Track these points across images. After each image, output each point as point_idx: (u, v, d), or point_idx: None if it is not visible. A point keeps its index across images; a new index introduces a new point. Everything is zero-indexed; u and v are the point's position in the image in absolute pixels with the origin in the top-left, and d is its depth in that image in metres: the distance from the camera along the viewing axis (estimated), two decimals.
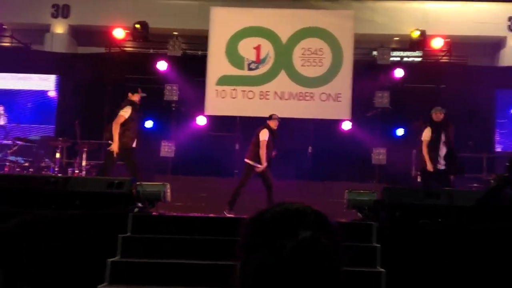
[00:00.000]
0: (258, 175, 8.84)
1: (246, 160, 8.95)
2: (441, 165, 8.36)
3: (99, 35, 14.19)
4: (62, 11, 15.46)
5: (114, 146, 8.02)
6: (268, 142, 8.84)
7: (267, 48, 12.00)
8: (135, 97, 8.46)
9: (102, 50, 14.02)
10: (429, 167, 8.30)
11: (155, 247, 5.82)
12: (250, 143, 9.08)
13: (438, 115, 8.60)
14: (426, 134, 8.54)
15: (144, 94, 8.59)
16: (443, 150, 8.41)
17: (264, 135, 8.86)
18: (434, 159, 8.33)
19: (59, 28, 15.51)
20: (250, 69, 12.01)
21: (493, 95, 12.48)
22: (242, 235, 1.10)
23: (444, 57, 12.83)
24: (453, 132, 8.79)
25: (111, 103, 12.56)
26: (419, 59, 13.68)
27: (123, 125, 8.14)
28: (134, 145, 8.30)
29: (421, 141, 8.56)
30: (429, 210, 6.29)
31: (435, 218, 6.25)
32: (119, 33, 12.66)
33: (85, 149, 10.09)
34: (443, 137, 8.46)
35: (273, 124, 9.06)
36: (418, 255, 5.80)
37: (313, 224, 1.06)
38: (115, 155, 8.06)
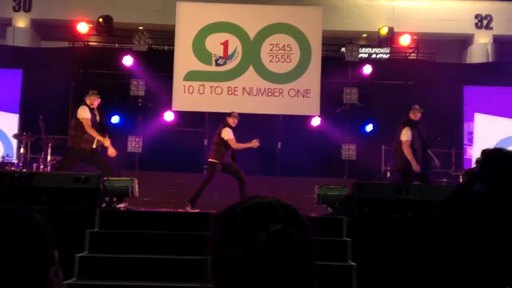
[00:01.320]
0: (226, 171, 8.83)
1: (209, 159, 8.91)
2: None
3: (63, 29, 13.91)
4: (23, 5, 15.06)
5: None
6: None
7: (234, 43, 11.93)
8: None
9: (65, 44, 13.73)
10: (415, 167, 8.25)
11: (123, 242, 5.76)
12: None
13: (416, 114, 8.63)
14: (407, 134, 8.44)
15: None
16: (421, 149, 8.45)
17: (228, 134, 8.86)
18: (418, 159, 8.31)
19: (21, 22, 15.10)
20: (217, 64, 11.93)
21: (460, 91, 12.68)
22: (213, 230, 1.08)
23: (412, 54, 12.99)
24: (426, 129, 8.86)
25: (76, 98, 12.34)
26: (387, 56, 13.80)
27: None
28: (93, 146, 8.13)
29: (401, 142, 8.45)
30: (399, 205, 6.34)
31: (405, 213, 6.30)
32: (82, 28, 12.43)
33: (49, 144, 9.91)
34: (419, 136, 8.50)
35: (232, 121, 9.11)
36: (388, 249, 5.85)
37: (284, 217, 1.05)
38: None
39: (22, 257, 1.06)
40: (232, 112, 9.28)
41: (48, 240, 1.14)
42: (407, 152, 8.34)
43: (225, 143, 8.90)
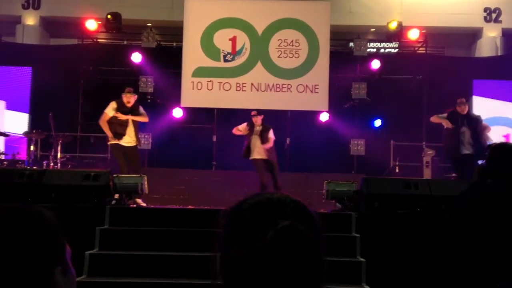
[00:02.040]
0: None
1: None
2: None
3: (72, 26, 13.94)
4: (33, 2, 15.12)
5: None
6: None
7: (243, 39, 11.93)
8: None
9: (74, 41, 13.78)
10: None
11: (133, 240, 5.78)
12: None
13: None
14: None
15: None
16: None
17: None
18: None
19: (30, 19, 15.16)
20: (226, 60, 11.93)
21: (470, 85, 12.60)
22: (221, 226, 1.08)
23: (420, 48, 12.92)
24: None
25: (85, 95, 12.41)
26: (396, 50, 13.74)
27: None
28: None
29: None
30: (408, 200, 6.32)
31: (414, 208, 6.28)
32: (91, 25, 12.48)
33: (59, 141, 9.95)
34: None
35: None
36: (397, 244, 5.83)
37: (292, 213, 1.05)
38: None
39: (26, 255, 1.06)
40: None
41: (55, 238, 1.14)
42: None
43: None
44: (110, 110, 8.29)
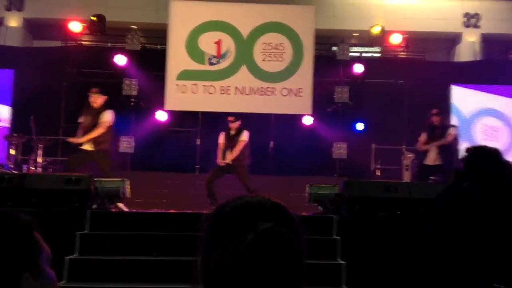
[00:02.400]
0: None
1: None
2: None
3: (55, 28, 13.84)
4: (16, 4, 15.00)
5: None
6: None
7: (228, 42, 11.95)
8: None
9: (58, 43, 13.69)
10: None
11: (114, 244, 5.74)
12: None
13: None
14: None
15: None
16: None
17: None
18: None
19: (13, 21, 15.04)
20: (211, 64, 11.94)
21: (449, 89, 12.75)
22: (203, 230, 1.09)
23: (402, 53, 13.04)
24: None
25: (68, 98, 12.33)
26: (378, 54, 13.86)
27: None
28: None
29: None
30: (388, 203, 6.38)
31: (394, 211, 6.35)
32: (75, 27, 12.41)
33: (41, 145, 9.84)
34: None
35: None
36: (377, 247, 5.88)
37: (273, 216, 1.06)
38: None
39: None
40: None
41: (28, 243, 1.14)
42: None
43: None
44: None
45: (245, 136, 9.02)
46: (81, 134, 8.19)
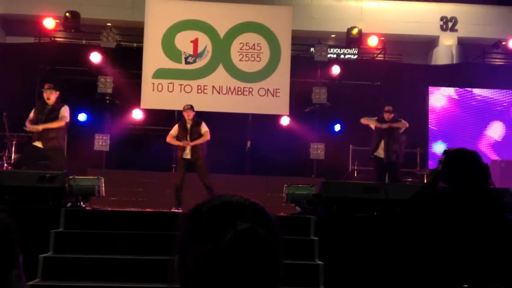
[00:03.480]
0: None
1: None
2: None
3: (29, 24, 13.66)
4: None
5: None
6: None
7: (204, 42, 11.89)
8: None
9: (31, 40, 13.47)
10: None
11: (89, 243, 5.66)
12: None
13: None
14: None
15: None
16: None
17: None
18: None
19: None
20: (187, 62, 11.87)
21: (426, 92, 12.90)
22: (180, 229, 1.08)
23: (379, 55, 13.16)
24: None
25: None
26: (355, 56, 13.96)
27: None
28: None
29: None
30: (366, 203, 6.40)
31: (371, 212, 6.37)
32: (49, 23, 12.23)
33: (14, 142, 9.68)
34: None
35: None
36: (355, 247, 5.89)
37: (251, 216, 1.05)
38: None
39: None
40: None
41: (12, 241, 1.12)
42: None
43: None
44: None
45: (206, 126, 8.60)
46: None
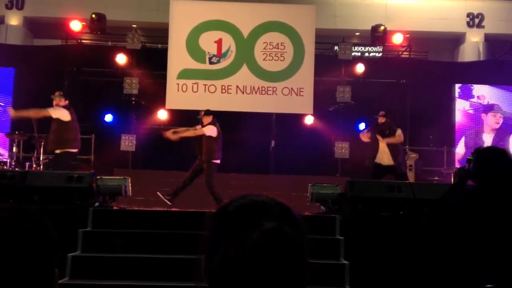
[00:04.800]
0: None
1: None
2: None
3: (56, 27, 13.84)
4: (16, 2, 15.00)
5: None
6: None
7: (228, 42, 11.93)
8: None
9: (58, 42, 13.68)
10: None
11: (116, 242, 5.74)
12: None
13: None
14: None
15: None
16: None
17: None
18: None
19: (14, 20, 15.03)
20: (211, 63, 11.91)
21: (452, 89, 12.74)
22: (207, 228, 1.08)
23: (404, 53, 13.02)
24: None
25: (69, 96, 12.28)
26: (380, 54, 13.85)
27: None
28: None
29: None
30: (391, 203, 6.36)
31: (397, 211, 6.32)
32: (75, 26, 12.39)
33: (42, 142, 9.83)
34: None
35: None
36: (380, 247, 5.86)
37: (277, 215, 1.06)
38: None
39: (34, 255, 1.08)
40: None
41: (55, 240, 1.16)
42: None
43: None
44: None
45: (210, 128, 8.69)
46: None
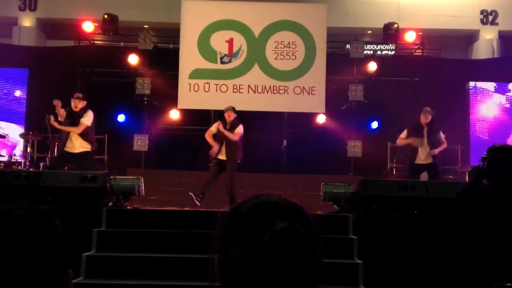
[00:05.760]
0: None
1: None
2: None
3: (68, 28, 13.93)
4: (29, 4, 15.12)
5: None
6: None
7: (239, 41, 11.93)
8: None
9: (71, 43, 13.77)
10: None
11: (130, 241, 5.77)
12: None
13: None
14: None
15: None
16: None
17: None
18: None
19: (27, 21, 15.16)
20: (223, 62, 11.93)
21: (466, 87, 12.64)
22: (219, 228, 1.09)
23: (417, 50, 12.94)
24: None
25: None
26: (392, 52, 13.78)
27: None
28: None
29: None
30: (405, 202, 6.33)
31: (411, 210, 6.29)
32: (88, 26, 12.48)
33: (56, 143, 9.90)
34: None
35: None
36: (394, 246, 5.83)
37: (290, 215, 1.06)
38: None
39: (42, 255, 1.08)
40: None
41: (64, 240, 1.16)
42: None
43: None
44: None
45: (241, 129, 8.72)
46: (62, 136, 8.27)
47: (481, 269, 3.26)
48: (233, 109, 8.89)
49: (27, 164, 9.93)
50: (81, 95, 8.47)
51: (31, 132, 10.42)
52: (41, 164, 9.98)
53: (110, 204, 6.32)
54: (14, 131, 12.29)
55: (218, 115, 11.98)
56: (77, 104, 8.27)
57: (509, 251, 3.16)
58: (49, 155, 9.94)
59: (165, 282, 5.36)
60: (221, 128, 8.63)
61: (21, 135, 10.89)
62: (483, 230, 3.26)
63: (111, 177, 6.61)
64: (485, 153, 3.51)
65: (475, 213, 3.35)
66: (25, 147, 10.28)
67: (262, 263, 1.00)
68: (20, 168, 9.68)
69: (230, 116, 8.81)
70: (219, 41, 11.90)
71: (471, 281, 3.35)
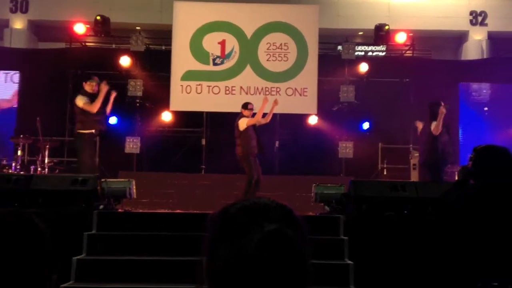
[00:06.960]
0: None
1: (238, 154, 8.73)
2: None
3: (60, 30, 13.89)
4: (20, 6, 15.07)
5: None
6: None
7: (232, 43, 11.94)
8: (87, 87, 8.31)
9: (63, 45, 13.73)
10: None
11: (121, 244, 5.75)
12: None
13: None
14: None
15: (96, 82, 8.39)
16: None
17: (243, 122, 8.73)
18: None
19: (18, 23, 15.10)
20: (215, 64, 11.93)
21: (456, 88, 12.71)
22: (208, 230, 1.10)
23: (407, 52, 13.00)
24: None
25: (73, 99, 12.33)
26: (383, 53, 13.84)
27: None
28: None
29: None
30: (395, 202, 6.36)
31: (401, 210, 6.32)
32: (79, 28, 12.45)
33: (47, 146, 9.87)
34: None
35: (247, 114, 8.88)
36: (384, 246, 5.85)
37: (278, 217, 1.07)
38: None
39: (24, 258, 1.09)
40: (248, 104, 8.95)
41: (49, 244, 1.16)
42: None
43: (242, 133, 8.71)
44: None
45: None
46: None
47: (467, 268, 3.29)
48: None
49: (18, 167, 9.87)
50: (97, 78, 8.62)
51: (21, 135, 10.34)
52: (32, 167, 9.93)
53: (101, 207, 6.30)
54: None
55: (211, 117, 12.02)
56: (94, 88, 8.46)
57: (493, 250, 3.19)
58: (39, 158, 9.89)
59: (157, 285, 5.35)
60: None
61: (12, 138, 10.83)
62: (467, 230, 3.29)
63: (102, 179, 6.59)
64: (472, 153, 3.55)
65: (459, 213, 3.38)
66: (16, 150, 10.21)
67: (251, 265, 1.01)
68: (10, 171, 9.63)
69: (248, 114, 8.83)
70: (211, 43, 11.91)
71: (460, 280, 3.37)
